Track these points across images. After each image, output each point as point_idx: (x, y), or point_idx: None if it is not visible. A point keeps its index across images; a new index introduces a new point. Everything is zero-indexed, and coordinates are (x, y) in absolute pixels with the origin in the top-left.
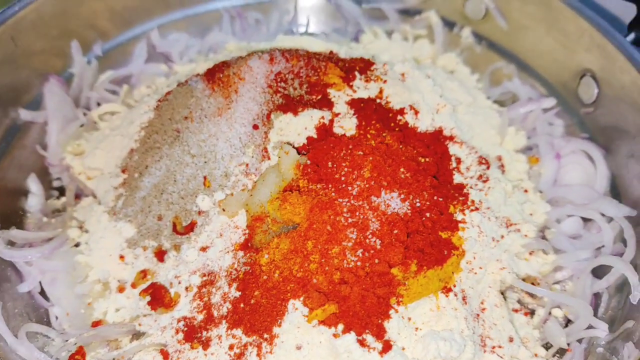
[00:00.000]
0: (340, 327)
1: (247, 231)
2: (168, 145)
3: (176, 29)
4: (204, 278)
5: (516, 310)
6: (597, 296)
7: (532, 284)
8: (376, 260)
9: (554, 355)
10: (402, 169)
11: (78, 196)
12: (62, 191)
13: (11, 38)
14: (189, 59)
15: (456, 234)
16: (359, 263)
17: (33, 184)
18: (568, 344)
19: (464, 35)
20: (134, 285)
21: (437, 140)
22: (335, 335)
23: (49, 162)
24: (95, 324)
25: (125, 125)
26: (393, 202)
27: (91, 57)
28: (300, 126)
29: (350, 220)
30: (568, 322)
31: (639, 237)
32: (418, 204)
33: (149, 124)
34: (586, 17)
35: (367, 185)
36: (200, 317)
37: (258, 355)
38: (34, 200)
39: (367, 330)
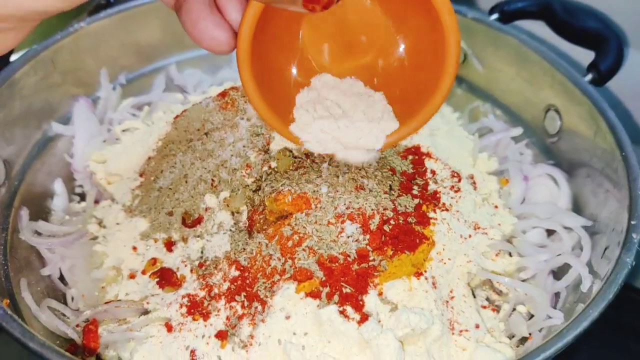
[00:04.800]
0: (324, 299)
1: (247, 223)
2: (182, 152)
3: (191, 65)
4: (208, 262)
5: (484, 307)
6: (557, 295)
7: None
8: (357, 245)
9: (517, 346)
10: (382, 172)
11: (97, 201)
12: (83, 197)
13: (51, 60)
14: (202, 92)
15: (427, 228)
16: (342, 246)
17: (59, 187)
18: (530, 334)
19: None
20: (144, 272)
21: (414, 154)
22: (319, 307)
23: (74, 168)
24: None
25: (145, 137)
26: (373, 197)
27: (116, 85)
28: None
29: (337, 211)
30: (531, 317)
31: (593, 243)
32: (396, 201)
33: (166, 136)
34: (549, 59)
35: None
36: (202, 293)
37: (251, 324)
38: (59, 201)
39: (347, 303)
